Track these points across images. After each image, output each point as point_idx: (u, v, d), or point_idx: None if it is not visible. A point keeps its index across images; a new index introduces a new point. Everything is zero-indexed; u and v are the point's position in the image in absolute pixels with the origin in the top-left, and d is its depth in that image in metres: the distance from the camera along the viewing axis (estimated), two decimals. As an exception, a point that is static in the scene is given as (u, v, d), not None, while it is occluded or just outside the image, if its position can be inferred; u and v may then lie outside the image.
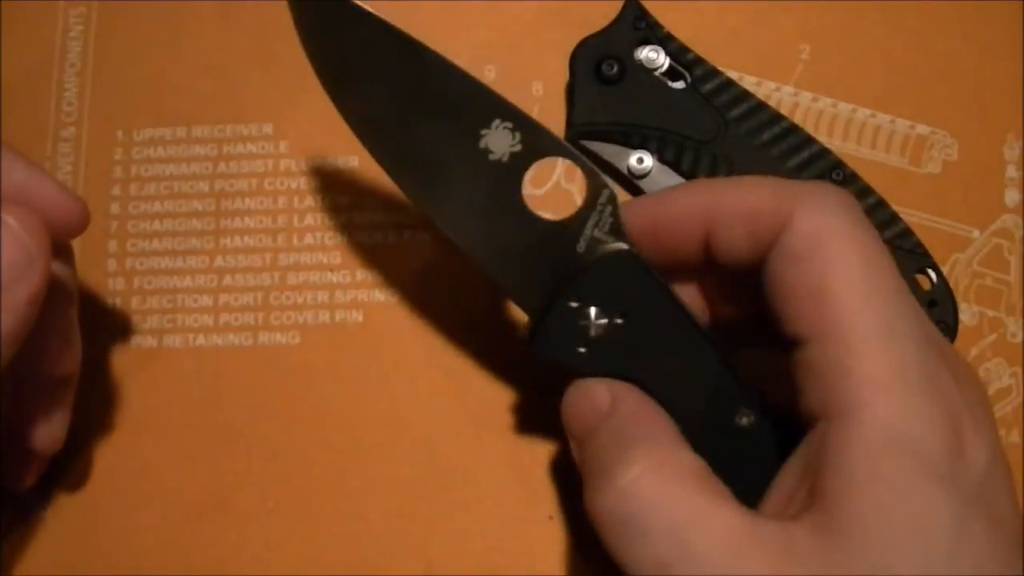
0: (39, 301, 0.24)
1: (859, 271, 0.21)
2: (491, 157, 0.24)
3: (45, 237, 0.24)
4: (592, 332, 0.23)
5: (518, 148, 0.24)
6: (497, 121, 0.24)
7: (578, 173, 0.24)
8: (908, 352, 0.20)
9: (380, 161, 0.24)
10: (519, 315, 0.31)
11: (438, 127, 0.24)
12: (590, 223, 0.24)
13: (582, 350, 0.23)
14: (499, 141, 0.24)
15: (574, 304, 0.23)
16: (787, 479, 0.21)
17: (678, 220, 0.24)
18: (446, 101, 0.24)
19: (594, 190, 0.24)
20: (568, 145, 0.24)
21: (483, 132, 0.24)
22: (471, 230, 0.24)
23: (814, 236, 0.21)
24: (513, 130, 0.24)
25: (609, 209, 0.24)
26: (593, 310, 0.23)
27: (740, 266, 0.23)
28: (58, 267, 0.26)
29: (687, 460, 0.21)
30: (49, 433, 0.28)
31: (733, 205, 0.23)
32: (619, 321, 0.23)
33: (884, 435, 0.19)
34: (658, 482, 0.21)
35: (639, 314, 0.23)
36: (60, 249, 0.27)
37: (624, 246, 0.24)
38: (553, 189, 0.32)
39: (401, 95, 0.24)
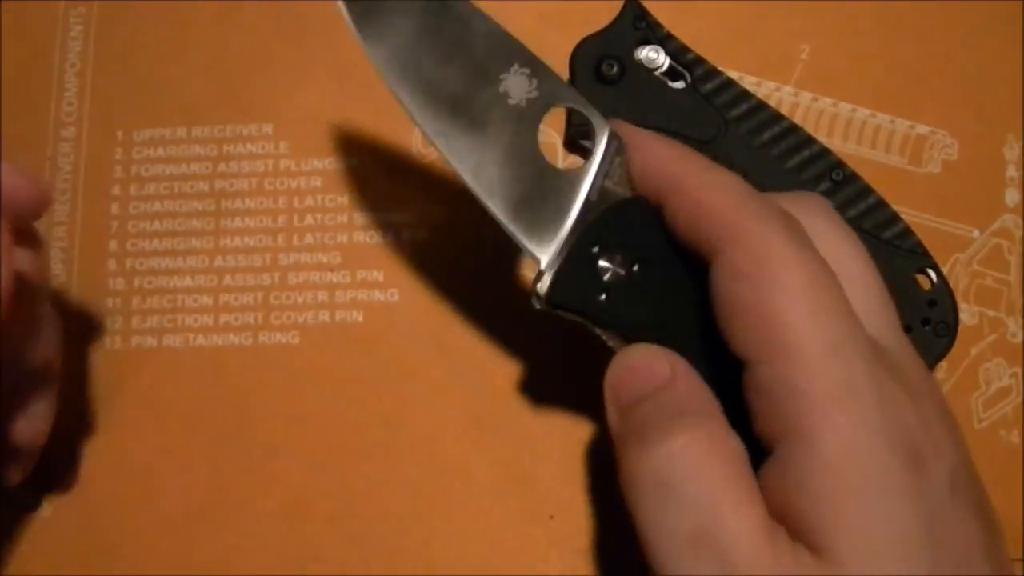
0: (8, 293, 0.23)
1: (803, 293, 0.21)
2: (510, 101, 0.24)
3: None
4: (610, 278, 0.23)
5: (535, 94, 0.24)
6: (516, 66, 0.24)
7: (590, 123, 0.24)
8: (857, 369, 0.20)
9: (402, 100, 0.24)
10: (519, 315, 0.31)
11: (461, 67, 0.24)
12: (600, 172, 0.24)
13: (601, 297, 0.23)
14: (517, 86, 0.24)
15: (594, 249, 0.23)
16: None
17: (643, 171, 0.24)
18: (470, 41, 0.24)
19: (604, 140, 0.24)
20: (581, 96, 0.24)
21: (502, 76, 0.24)
22: (487, 174, 0.24)
23: (759, 257, 0.21)
24: (530, 76, 0.24)
25: (618, 160, 0.24)
26: (611, 256, 0.23)
27: (685, 245, 0.23)
28: (22, 254, 0.26)
29: (734, 444, 0.21)
30: (31, 427, 0.28)
31: (689, 191, 0.23)
32: (635, 269, 0.23)
33: (843, 452, 0.19)
34: (704, 457, 0.21)
35: (653, 263, 0.23)
36: (25, 236, 0.26)
37: (634, 195, 0.24)
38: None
39: (428, 32, 0.24)
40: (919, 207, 0.32)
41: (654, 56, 0.31)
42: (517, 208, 0.24)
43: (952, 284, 0.30)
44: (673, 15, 0.32)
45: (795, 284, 0.21)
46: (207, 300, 0.33)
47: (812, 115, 0.33)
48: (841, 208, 0.30)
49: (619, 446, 0.22)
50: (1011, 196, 0.32)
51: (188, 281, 0.33)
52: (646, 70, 0.31)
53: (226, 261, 0.33)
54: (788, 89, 0.33)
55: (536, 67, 0.24)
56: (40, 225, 0.33)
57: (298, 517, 0.31)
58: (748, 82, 0.33)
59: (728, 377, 0.22)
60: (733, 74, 0.32)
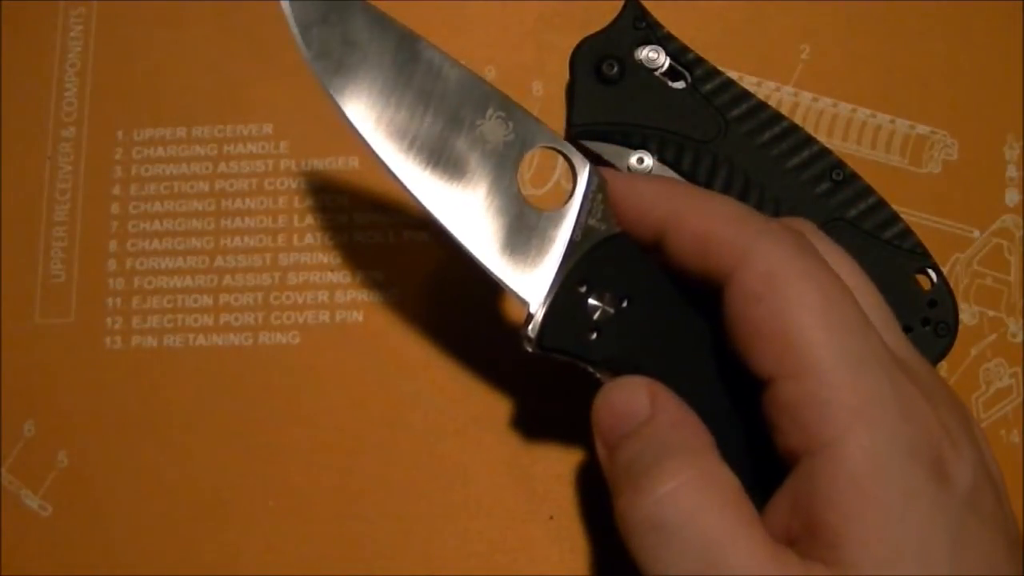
0: None
1: (820, 307, 0.21)
2: (487, 147, 0.24)
3: None
4: (599, 317, 0.23)
5: (511, 137, 0.24)
6: (491, 110, 0.24)
7: (568, 162, 0.24)
8: (880, 380, 0.20)
9: (377, 153, 0.24)
10: (518, 315, 0.31)
11: (435, 116, 0.24)
12: (583, 210, 0.24)
13: (592, 336, 0.23)
14: (493, 131, 0.24)
15: (582, 289, 0.23)
16: (778, 514, 0.21)
17: (634, 214, 0.24)
18: (443, 91, 0.24)
19: (584, 178, 0.24)
20: (557, 135, 0.24)
21: (478, 122, 0.24)
22: (468, 221, 0.24)
23: (771, 275, 0.21)
24: (506, 119, 0.24)
25: (600, 196, 0.24)
26: (599, 294, 0.23)
27: (688, 277, 0.23)
28: None
29: (726, 476, 0.21)
30: None
31: (690, 223, 0.23)
32: (624, 305, 0.23)
33: (869, 464, 0.20)
34: (697, 496, 0.21)
35: (641, 298, 0.23)
36: None
37: (618, 230, 0.24)
38: (554, 187, 0.32)
39: (399, 84, 0.24)
40: (919, 207, 0.32)
41: (654, 56, 0.31)
42: (501, 252, 0.24)
43: (952, 284, 0.30)
44: (673, 15, 0.32)
45: (811, 299, 0.21)
46: (207, 300, 0.33)
47: (812, 115, 0.33)
48: (841, 208, 0.30)
49: (611, 487, 0.22)
50: (1011, 196, 0.32)
51: (188, 281, 0.33)
52: (646, 70, 0.31)
53: (226, 261, 0.33)
54: (788, 89, 0.33)
55: (511, 110, 0.24)
56: (40, 225, 0.33)
57: (298, 517, 0.31)
58: (748, 82, 0.33)
59: (734, 397, 0.23)
60: (733, 74, 0.32)
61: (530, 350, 0.24)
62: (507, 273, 0.24)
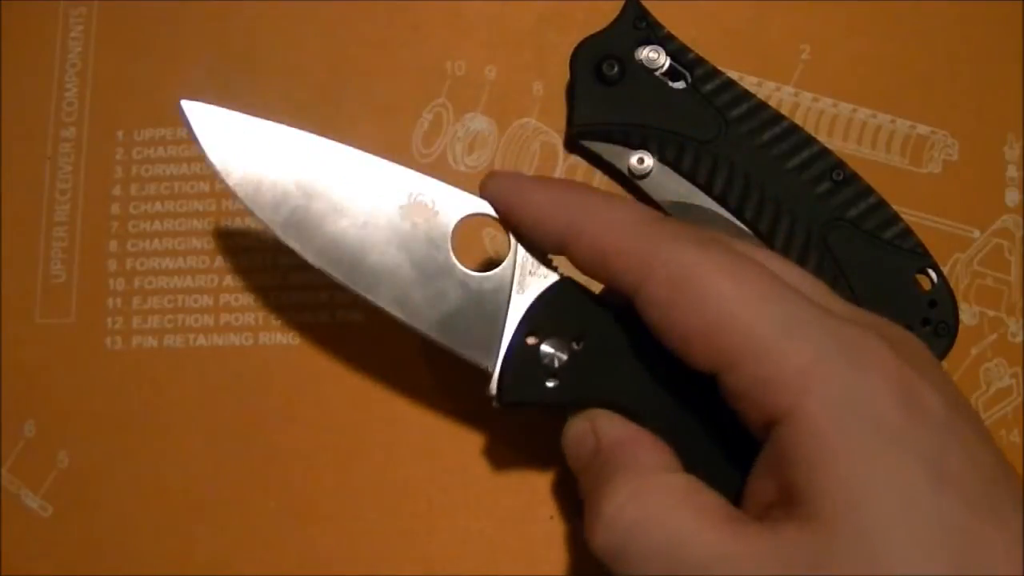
0: None
1: (733, 292, 0.21)
2: (416, 229, 0.24)
3: None
4: (555, 363, 0.24)
5: (437, 212, 0.24)
6: (410, 194, 0.24)
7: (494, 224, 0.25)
8: (818, 336, 0.20)
9: (309, 260, 0.24)
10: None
11: (355, 216, 0.24)
12: (518, 265, 0.24)
13: (550, 384, 0.24)
14: (417, 213, 0.24)
15: (532, 341, 0.24)
16: (756, 486, 0.21)
17: (531, 228, 0.24)
18: (357, 188, 0.24)
19: (515, 245, 0.24)
20: (480, 199, 0.25)
21: (401, 207, 0.24)
22: (411, 303, 0.24)
23: (676, 279, 0.21)
24: (428, 197, 0.24)
25: (536, 252, 0.24)
26: (551, 342, 0.24)
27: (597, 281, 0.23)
28: None
29: (668, 480, 0.22)
30: None
31: (585, 237, 0.23)
32: (576, 347, 0.24)
33: (826, 417, 0.19)
34: (640, 507, 0.21)
35: (592, 335, 0.24)
36: None
37: (556, 275, 0.24)
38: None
39: (313, 193, 0.24)
40: (919, 207, 0.32)
41: (655, 56, 0.31)
42: (450, 326, 0.24)
43: (952, 284, 0.30)
44: (673, 15, 0.32)
45: (722, 289, 0.21)
46: (207, 300, 0.33)
47: (812, 115, 0.33)
48: (841, 208, 0.30)
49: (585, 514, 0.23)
50: (1011, 196, 0.32)
51: (188, 281, 0.33)
52: (647, 70, 0.31)
53: (226, 261, 0.33)
54: (788, 89, 0.33)
55: (429, 187, 0.24)
56: (40, 225, 0.33)
57: (298, 517, 0.31)
58: (748, 82, 0.33)
59: (704, 398, 0.23)
60: (733, 74, 0.32)
61: (496, 406, 0.24)
62: (459, 343, 0.24)
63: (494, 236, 0.31)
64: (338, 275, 0.24)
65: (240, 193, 0.24)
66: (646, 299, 0.21)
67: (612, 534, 0.21)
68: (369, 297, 0.24)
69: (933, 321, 0.30)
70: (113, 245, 0.33)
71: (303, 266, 0.32)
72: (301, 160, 0.24)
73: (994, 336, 0.32)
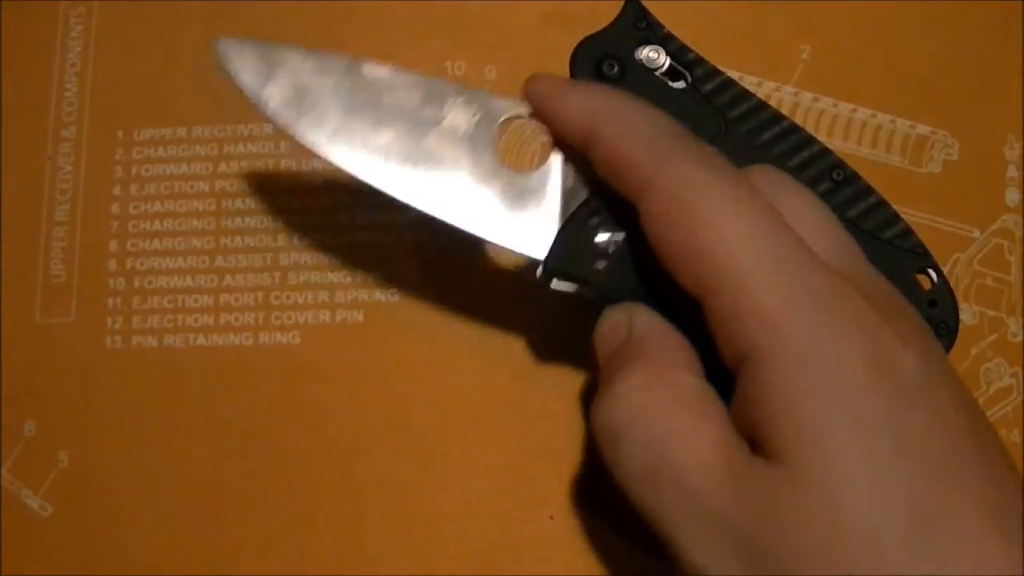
0: None
1: (729, 219, 0.20)
2: (457, 135, 0.25)
3: None
4: (609, 248, 0.24)
5: (479, 116, 0.25)
6: (450, 100, 0.25)
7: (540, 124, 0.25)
8: (803, 281, 0.20)
9: (356, 175, 0.25)
10: (519, 314, 0.31)
11: (400, 124, 0.25)
12: (567, 164, 0.25)
13: (599, 265, 0.24)
14: (459, 118, 0.25)
15: (592, 221, 0.24)
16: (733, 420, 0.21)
17: (559, 127, 0.24)
18: (397, 99, 0.25)
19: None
20: (519, 102, 0.25)
21: (440, 115, 0.25)
22: (462, 206, 0.25)
23: (677, 196, 0.21)
24: (467, 102, 0.25)
25: None
26: (608, 225, 0.24)
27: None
28: None
29: (685, 379, 0.21)
30: None
31: (603, 142, 0.23)
32: (623, 238, 0.24)
33: (794, 362, 0.19)
34: (645, 397, 0.21)
35: (640, 232, 0.24)
36: None
37: None
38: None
39: (354, 107, 0.25)
40: (919, 207, 0.32)
41: (655, 56, 0.31)
42: (502, 223, 0.25)
43: (952, 284, 0.30)
44: (673, 15, 0.32)
45: (719, 214, 0.20)
46: (207, 300, 0.33)
47: (812, 115, 0.33)
48: (841, 208, 0.30)
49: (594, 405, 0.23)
50: (1011, 196, 0.32)
51: (188, 281, 0.33)
52: (647, 70, 0.31)
53: (226, 261, 0.33)
54: (788, 89, 0.33)
55: (468, 94, 0.25)
56: (40, 225, 0.33)
57: (298, 517, 0.31)
58: (748, 82, 0.33)
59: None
60: (733, 74, 0.32)
61: (538, 277, 0.24)
62: (516, 241, 0.24)
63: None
64: (388, 188, 0.24)
65: (280, 121, 0.24)
66: (645, 212, 0.21)
67: (614, 415, 0.21)
68: (422, 207, 0.24)
69: (933, 321, 0.30)
70: (113, 245, 0.33)
71: (303, 266, 0.33)
72: (337, 79, 0.25)
73: (994, 336, 0.32)
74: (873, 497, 0.18)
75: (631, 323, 0.23)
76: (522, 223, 0.24)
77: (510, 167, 0.24)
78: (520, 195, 0.24)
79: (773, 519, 0.19)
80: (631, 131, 0.22)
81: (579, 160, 0.24)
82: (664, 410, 0.21)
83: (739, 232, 0.20)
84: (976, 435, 0.20)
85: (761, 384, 0.19)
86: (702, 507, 0.19)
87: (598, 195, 0.24)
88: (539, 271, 0.24)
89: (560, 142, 0.25)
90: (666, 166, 0.21)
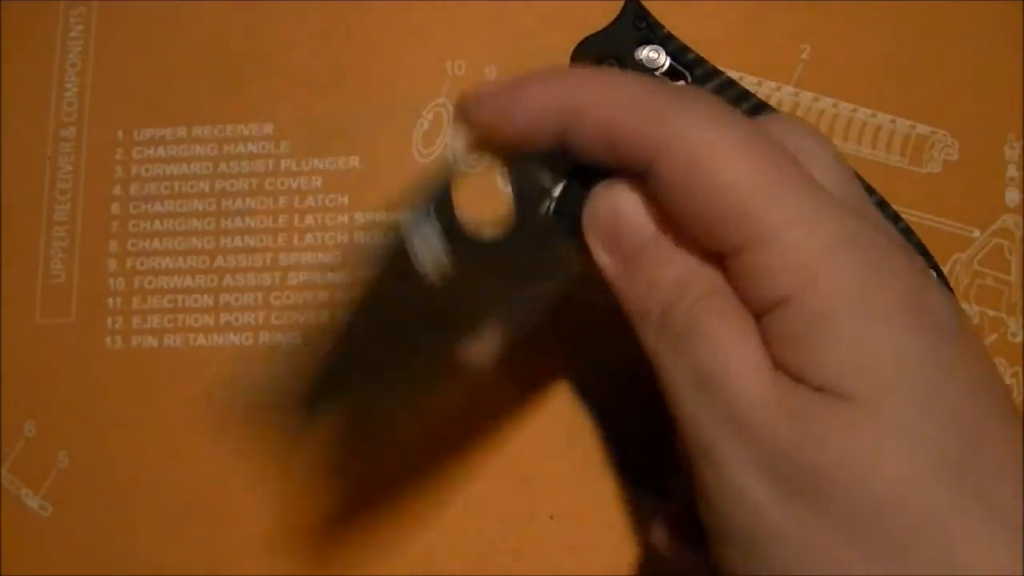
0: None
1: (748, 175, 0.19)
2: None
3: None
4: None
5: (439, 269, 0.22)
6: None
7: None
8: (839, 228, 0.19)
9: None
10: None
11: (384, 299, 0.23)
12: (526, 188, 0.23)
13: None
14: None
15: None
16: None
17: (529, 118, 0.22)
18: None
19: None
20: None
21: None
22: (492, 314, 0.23)
23: (690, 159, 0.20)
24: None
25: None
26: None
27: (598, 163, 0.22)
28: None
29: (722, 285, 0.21)
30: None
31: (590, 116, 0.21)
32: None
33: (836, 301, 0.19)
34: (708, 299, 0.20)
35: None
36: None
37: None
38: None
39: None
40: (919, 207, 0.32)
41: (655, 56, 0.31)
42: (529, 282, 0.23)
43: (953, 284, 0.30)
44: (673, 15, 0.32)
45: (736, 175, 0.19)
46: (207, 300, 0.33)
47: (812, 115, 0.33)
48: (841, 208, 0.30)
49: (629, 298, 0.22)
50: (1011, 196, 0.32)
51: (188, 281, 0.33)
52: (647, 70, 0.31)
53: (226, 261, 0.33)
54: (788, 89, 0.33)
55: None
56: (40, 225, 0.33)
57: (299, 517, 0.31)
58: (748, 82, 0.33)
59: None
60: (733, 74, 0.32)
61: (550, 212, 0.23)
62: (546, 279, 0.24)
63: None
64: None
65: None
66: (658, 181, 0.20)
67: (676, 312, 0.20)
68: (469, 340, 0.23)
69: (933, 321, 0.30)
70: (113, 245, 0.33)
71: (303, 266, 0.33)
72: None
73: (994, 336, 0.32)
74: (926, 416, 0.18)
75: (637, 209, 0.22)
76: (540, 265, 0.23)
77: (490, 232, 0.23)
78: (519, 250, 0.23)
79: (821, 448, 0.18)
80: (619, 99, 0.21)
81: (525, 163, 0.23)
82: (725, 313, 0.20)
83: (763, 186, 0.19)
84: (1000, 397, 0.20)
85: (803, 321, 0.19)
86: (752, 424, 0.19)
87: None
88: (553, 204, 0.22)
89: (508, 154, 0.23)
90: (672, 128, 0.20)
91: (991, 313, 0.32)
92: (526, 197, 0.23)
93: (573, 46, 0.32)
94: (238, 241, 0.33)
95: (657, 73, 0.31)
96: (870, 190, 0.31)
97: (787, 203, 0.19)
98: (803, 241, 0.19)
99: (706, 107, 0.21)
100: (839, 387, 0.18)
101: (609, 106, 0.21)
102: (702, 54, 0.31)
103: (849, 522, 0.18)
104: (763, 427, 0.19)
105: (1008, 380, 0.31)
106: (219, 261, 0.33)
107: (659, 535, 0.25)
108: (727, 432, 0.19)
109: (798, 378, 0.19)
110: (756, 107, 0.31)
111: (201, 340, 0.32)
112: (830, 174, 0.21)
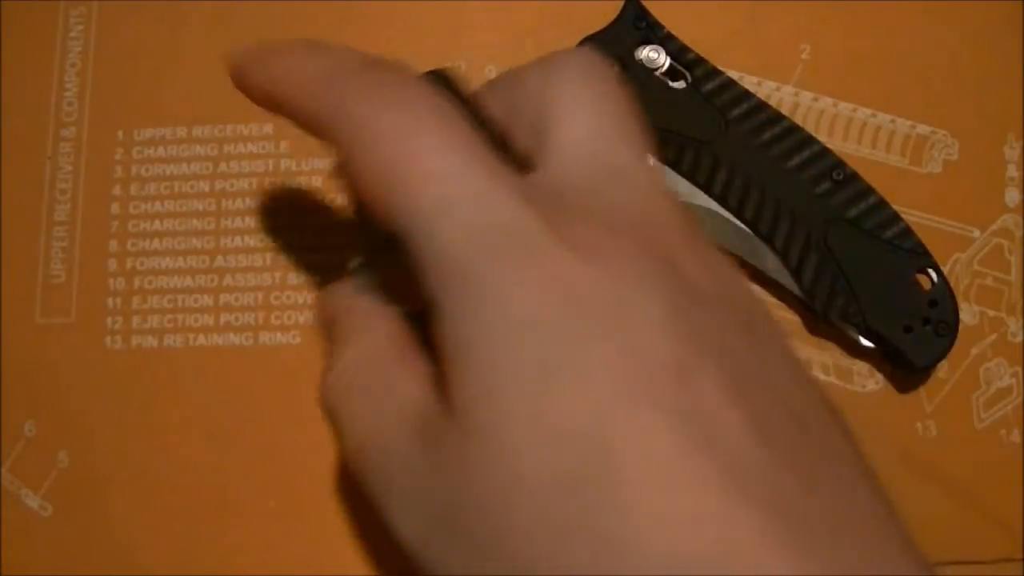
0: None
1: (414, 161, 0.18)
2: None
3: None
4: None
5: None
6: None
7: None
8: (474, 222, 0.17)
9: None
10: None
11: None
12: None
13: None
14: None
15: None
16: None
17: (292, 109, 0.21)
18: None
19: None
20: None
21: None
22: None
23: (354, 143, 0.19)
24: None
25: None
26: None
27: None
28: None
29: (368, 351, 0.22)
30: None
31: (288, 100, 0.21)
32: None
33: (469, 306, 0.17)
34: (339, 378, 0.23)
35: None
36: None
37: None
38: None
39: None
40: (919, 207, 0.32)
41: (655, 56, 0.31)
42: None
43: (952, 284, 0.30)
44: (673, 15, 0.32)
45: (404, 157, 0.18)
46: (207, 300, 0.33)
47: (812, 115, 0.33)
48: (841, 208, 0.30)
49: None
50: (1011, 196, 0.32)
51: (188, 281, 0.33)
52: (646, 70, 0.31)
53: (226, 261, 0.33)
54: (788, 89, 0.33)
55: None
56: (40, 225, 0.33)
57: (298, 517, 0.31)
58: (748, 82, 0.33)
59: None
60: (733, 74, 0.32)
61: None
62: None
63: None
64: None
65: None
66: (338, 165, 0.19)
67: (325, 399, 0.23)
68: None
69: (933, 321, 0.30)
70: (113, 245, 0.33)
71: (303, 266, 0.33)
72: None
73: (994, 336, 0.32)
74: (538, 446, 0.16)
75: (326, 304, 0.23)
76: None
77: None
78: None
79: (458, 483, 0.17)
80: (306, 76, 0.20)
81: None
82: (360, 385, 0.21)
83: (421, 175, 0.18)
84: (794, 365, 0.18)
85: (440, 336, 0.17)
86: (402, 476, 0.19)
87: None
88: None
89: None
90: (341, 110, 0.19)
91: (991, 313, 0.32)
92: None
93: (573, 46, 0.32)
94: (238, 241, 0.33)
95: (657, 73, 0.31)
96: (869, 190, 0.31)
97: (440, 194, 0.17)
98: (445, 235, 0.17)
99: (376, 79, 0.19)
100: (466, 410, 0.17)
101: (298, 86, 0.21)
102: (702, 54, 0.31)
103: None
104: (416, 476, 0.18)
105: (1008, 380, 0.31)
106: (219, 261, 0.33)
107: None
108: (386, 491, 0.21)
109: (446, 397, 0.18)
110: (756, 107, 0.31)
111: (201, 340, 0.32)
112: (587, 130, 0.19)
